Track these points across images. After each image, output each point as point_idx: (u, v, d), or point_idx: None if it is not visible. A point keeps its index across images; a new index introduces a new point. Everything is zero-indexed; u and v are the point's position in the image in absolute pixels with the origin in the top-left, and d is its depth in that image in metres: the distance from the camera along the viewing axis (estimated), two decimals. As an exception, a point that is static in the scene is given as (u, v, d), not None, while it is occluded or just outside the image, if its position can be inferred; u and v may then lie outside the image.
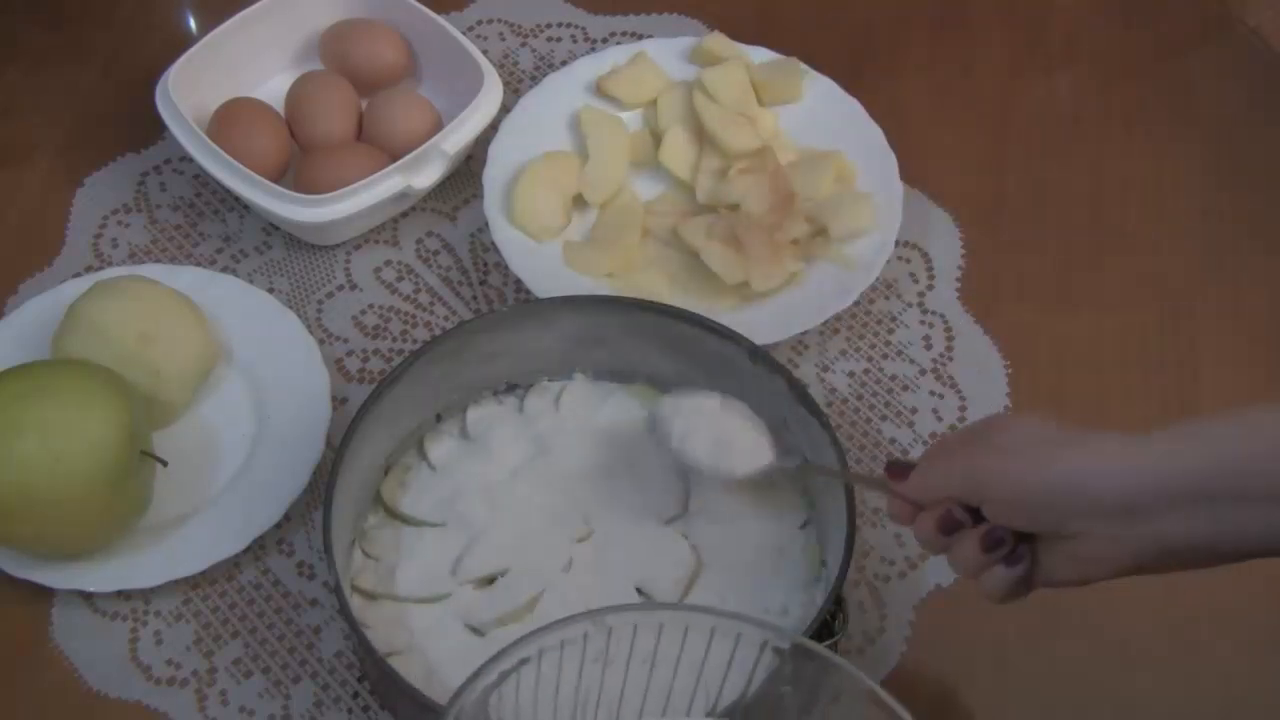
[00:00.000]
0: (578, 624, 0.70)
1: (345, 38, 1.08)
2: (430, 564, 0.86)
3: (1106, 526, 0.67)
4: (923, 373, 0.98)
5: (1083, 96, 1.14)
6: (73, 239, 1.04)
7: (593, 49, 1.14)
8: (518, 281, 0.99)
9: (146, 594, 0.89)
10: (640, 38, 1.13)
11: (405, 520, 0.88)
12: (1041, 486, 0.68)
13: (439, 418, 0.92)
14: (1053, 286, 1.03)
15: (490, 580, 0.86)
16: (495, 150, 1.04)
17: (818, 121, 1.06)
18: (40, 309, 0.97)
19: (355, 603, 0.82)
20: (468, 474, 0.90)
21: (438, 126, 1.04)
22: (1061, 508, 0.68)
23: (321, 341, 0.98)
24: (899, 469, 0.75)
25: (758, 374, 0.87)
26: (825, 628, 0.79)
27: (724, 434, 0.85)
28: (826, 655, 0.69)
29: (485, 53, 1.05)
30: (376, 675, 0.83)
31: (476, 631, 0.84)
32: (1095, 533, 0.67)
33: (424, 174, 1.00)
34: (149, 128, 1.06)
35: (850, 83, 1.07)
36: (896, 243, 1.00)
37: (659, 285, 0.99)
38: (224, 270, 1.03)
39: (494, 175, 1.02)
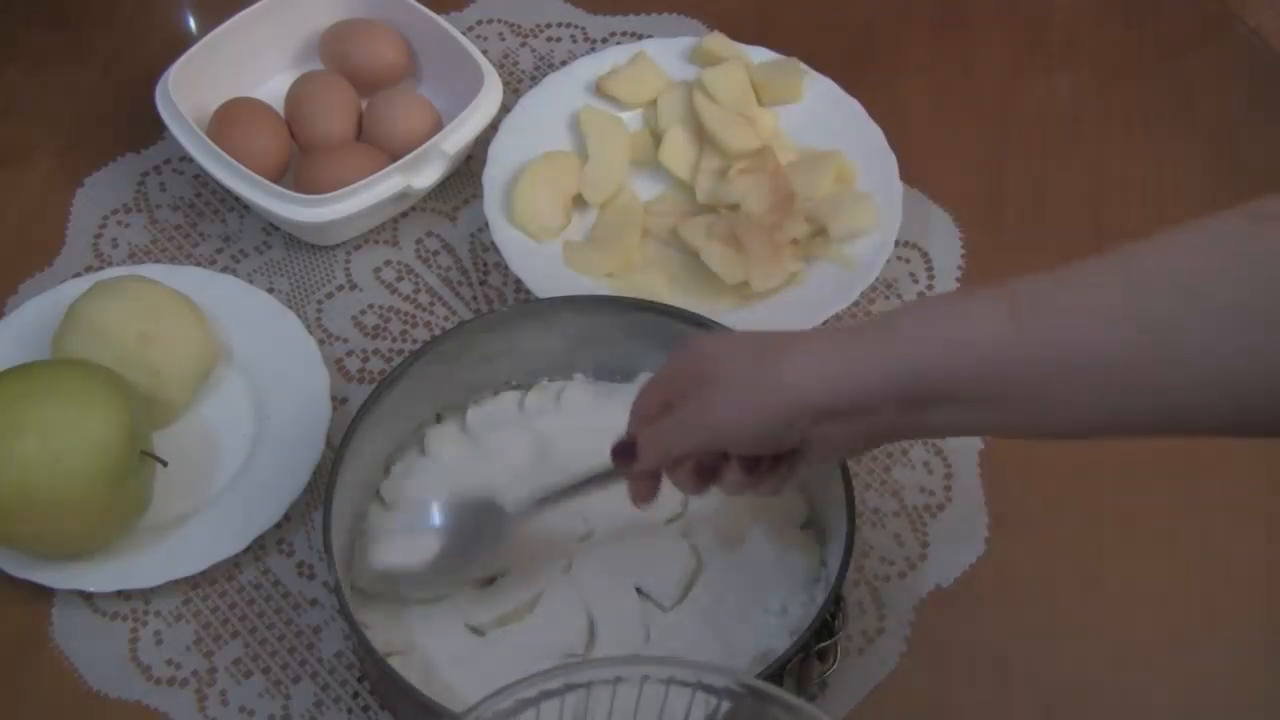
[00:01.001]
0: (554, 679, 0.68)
1: (345, 38, 1.08)
2: (431, 565, 0.86)
3: (837, 426, 0.69)
4: (923, 373, 0.98)
5: (1083, 96, 1.14)
6: (73, 239, 1.04)
7: (593, 49, 1.14)
8: (518, 281, 0.99)
9: (146, 594, 0.89)
10: (640, 38, 1.13)
11: (405, 521, 0.88)
12: (770, 422, 0.70)
13: (439, 417, 0.92)
14: (1053, 286, 1.03)
15: (490, 580, 0.86)
16: (495, 150, 1.04)
17: (818, 121, 1.06)
18: (40, 309, 0.97)
19: (355, 603, 0.82)
20: (467, 475, 0.90)
21: (438, 126, 1.04)
22: (795, 430, 0.70)
23: (321, 341, 0.98)
24: (625, 450, 0.76)
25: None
26: (825, 628, 0.80)
27: None
28: (781, 696, 0.67)
29: (485, 53, 1.05)
30: (376, 675, 0.83)
31: (476, 631, 0.84)
32: (830, 432, 0.70)
33: (424, 174, 1.00)
34: (149, 128, 1.06)
35: (850, 83, 1.07)
36: (896, 243, 1.00)
37: (659, 285, 0.99)
38: (224, 270, 1.03)
39: (494, 175, 1.02)
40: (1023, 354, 0.65)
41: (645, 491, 0.78)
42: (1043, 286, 0.66)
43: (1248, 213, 0.62)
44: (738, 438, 0.72)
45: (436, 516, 0.85)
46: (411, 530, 0.85)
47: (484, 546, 0.84)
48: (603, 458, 0.84)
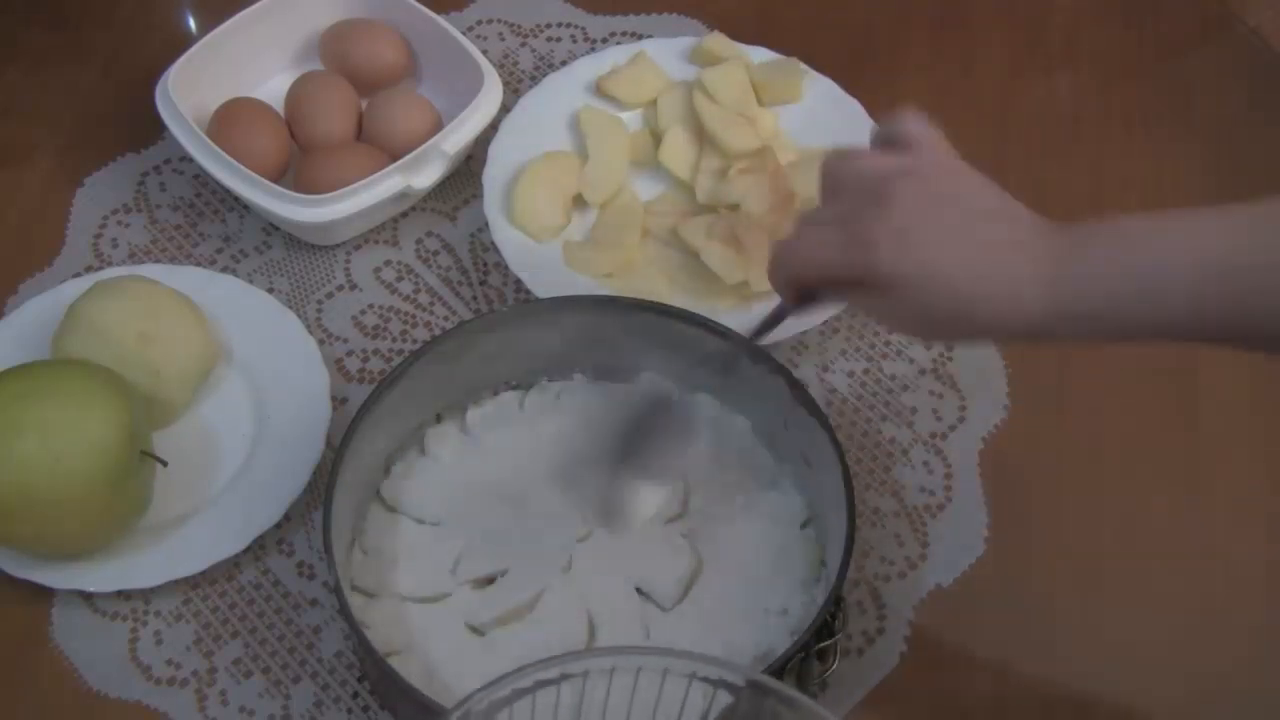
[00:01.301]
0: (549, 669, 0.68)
1: (345, 38, 1.08)
2: (429, 562, 0.86)
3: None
4: (922, 373, 0.98)
5: (1083, 96, 1.14)
6: (73, 239, 1.04)
7: (593, 49, 1.14)
8: (518, 281, 0.99)
9: (146, 594, 0.89)
10: (640, 38, 1.13)
11: (405, 517, 0.88)
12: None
13: (439, 417, 0.92)
14: (1053, 286, 1.03)
15: (490, 580, 0.86)
16: (495, 150, 1.04)
17: (818, 121, 1.06)
18: (40, 309, 0.97)
19: (355, 603, 0.82)
20: (467, 475, 0.90)
21: (438, 126, 1.04)
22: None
23: (321, 341, 0.98)
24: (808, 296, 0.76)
25: (758, 374, 0.87)
26: (825, 628, 0.80)
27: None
28: (783, 691, 0.68)
29: (485, 53, 1.05)
30: (376, 675, 0.83)
31: (476, 631, 0.84)
32: None
33: (424, 174, 1.00)
34: (149, 128, 1.06)
35: (850, 83, 1.07)
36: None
37: (659, 285, 0.99)
38: (224, 270, 1.03)
39: (494, 175, 1.02)
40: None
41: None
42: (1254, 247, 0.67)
43: None
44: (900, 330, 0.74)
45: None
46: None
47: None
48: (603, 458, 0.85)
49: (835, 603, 0.79)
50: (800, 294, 0.76)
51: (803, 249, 0.74)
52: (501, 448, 0.91)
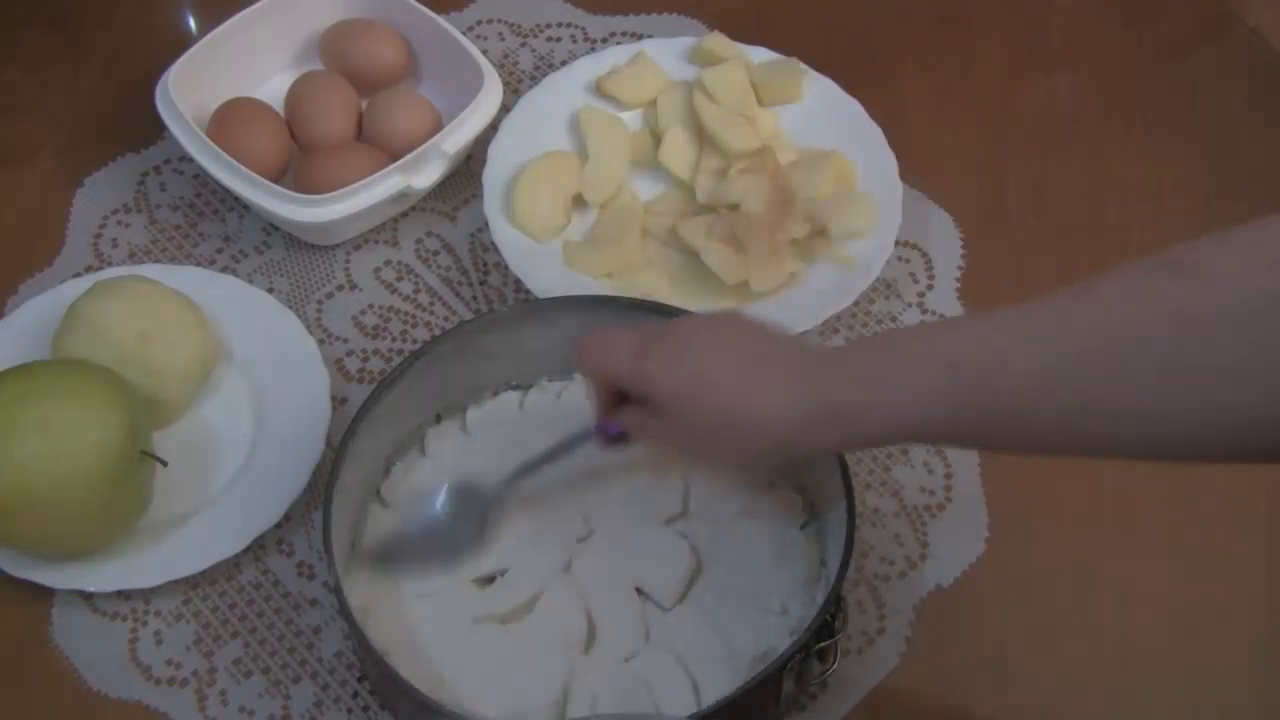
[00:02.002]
0: None
1: (345, 38, 1.08)
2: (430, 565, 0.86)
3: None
4: (923, 373, 0.98)
5: (1083, 96, 1.14)
6: (73, 239, 1.04)
7: (593, 49, 1.14)
8: (518, 281, 0.99)
9: (146, 594, 0.89)
10: (640, 38, 1.13)
11: (405, 521, 0.88)
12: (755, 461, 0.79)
13: (439, 418, 0.92)
14: (1053, 286, 1.02)
15: (490, 580, 0.86)
16: (495, 150, 1.04)
17: (818, 121, 1.06)
18: (40, 309, 0.97)
19: (355, 603, 0.82)
20: (467, 475, 0.90)
21: (438, 126, 1.04)
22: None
23: (321, 341, 0.98)
24: (617, 438, 0.81)
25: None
26: (825, 627, 0.79)
27: None
28: None
29: (485, 53, 1.05)
30: (376, 675, 0.83)
31: (477, 631, 0.84)
32: None
33: (424, 174, 1.00)
34: (149, 128, 1.06)
35: (850, 83, 1.07)
36: (896, 243, 1.00)
37: (659, 285, 0.99)
38: (224, 270, 1.03)
39: (494, 175, 1.02)
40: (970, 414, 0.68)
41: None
42: (984, 350, 0.68)
43: (1164, 263, 0.64)
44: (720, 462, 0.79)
45: (420, 507, 0.86)
46: (399, 522, 0.86)
47: (469, 528, 0.85)
48: (602, 458, 0.85)
49: (835, 602, 0.79)
50: (611, 436, 0.81)
51: (598, 348, 0.78)
52: (501, 448, 0.90)
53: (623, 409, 0.79)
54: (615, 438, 0.81)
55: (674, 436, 0.77)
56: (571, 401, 0.93)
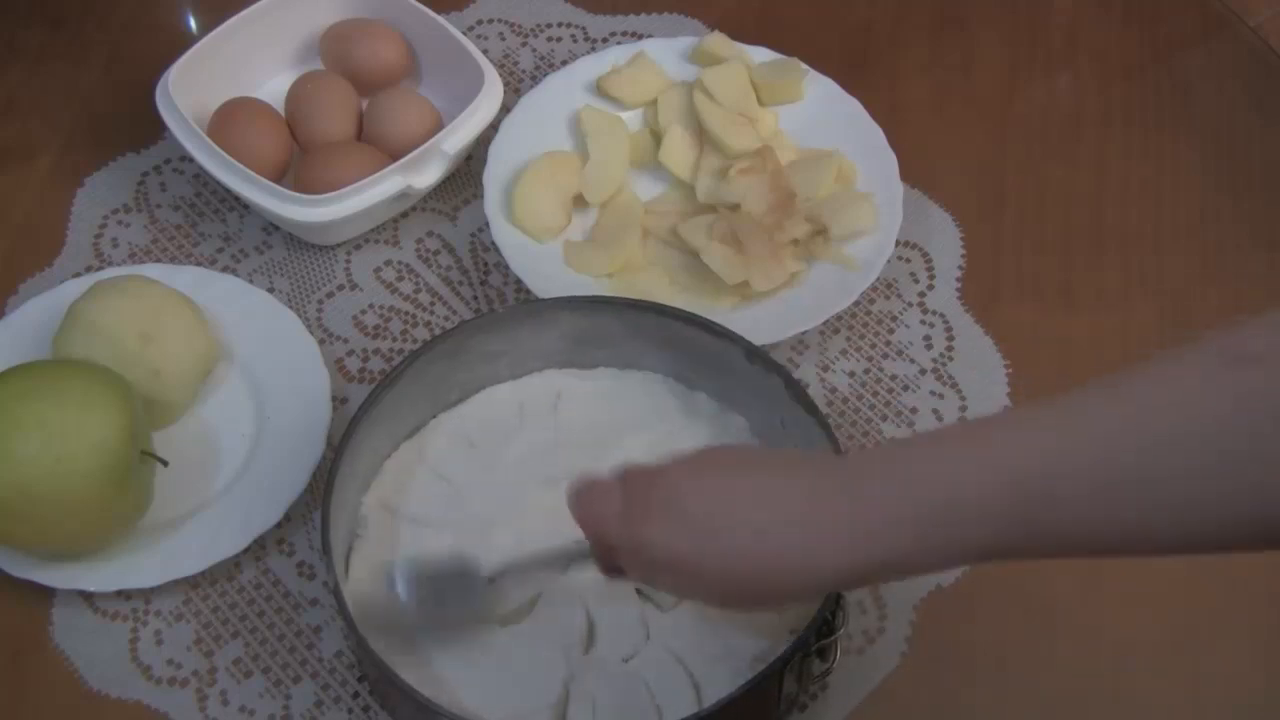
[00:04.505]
0: None
1: (345, 38, 1.08)
2: (430, 564, 0.86)
3: None
4: (923, 373, 0.98)
5: (1083, 96, 1.14)
6: (73, 239, 1.04)
7: (593, 49, 1.14)
8: (518, 281, 0.99)
9: (147, 594, 0.89)
10: (640, 38, 1.13)
11: (404, 518, 0.88)
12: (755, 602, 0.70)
13: (438, 418, 0.92)
14: (1053, 286, 1.03)
15: (490, 581, 0.86)
16: (495, 150, 1.04)
17: (818, 121, 1.06)
18: (41, 309, 0.97)
19: (351, 596, 0.82)
20: (467, 475, 0.90)
21: (438, 126, 1.04)
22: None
23: (322, 341, 0.98)
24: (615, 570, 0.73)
25: (754, 373, 0.87)
26: (825, 625, 0.80)
27: None
28: None
29: (485, 52, 1.05)
30: (376, 675, 0.83)
31: (477, 632, 0.84)
32: None
33: (424, 174, 1.00)
34: (149, 127, 1.06)
35: (850, 83, 1.07)
36: (896, 243, 1.00)
37: (659, 285, 0.99)
38: (224, 270, 1.03)
39: (494, 175, 1.02)
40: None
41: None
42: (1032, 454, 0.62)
43: (1221, 353, 0.60)
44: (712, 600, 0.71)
45: (403, 586, 0.82)
46: (388, 596, 0.83)
47: (460, 608, 0.82)
48: (602, 458, 0.84)
49: (835, 600, 0.79)
50: (613, 569, 0.73)
51: (586, 510, 0.71)
52: (501, 447, 0.91)
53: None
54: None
55: (688, 592, 0.71)
56: (571, 402, 0.93)
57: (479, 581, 0.82)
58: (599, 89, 1.08)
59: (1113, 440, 0.61)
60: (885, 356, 0.99)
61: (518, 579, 0.82)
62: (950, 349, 0.99)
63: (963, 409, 0.96)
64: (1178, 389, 0.60)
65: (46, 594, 0.88)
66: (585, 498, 0.72)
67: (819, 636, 0.79)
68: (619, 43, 1.13)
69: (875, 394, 0.97)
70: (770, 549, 0.64)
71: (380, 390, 0.86)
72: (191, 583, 0.89)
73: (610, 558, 0.72)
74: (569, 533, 0.86)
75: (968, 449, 0.64)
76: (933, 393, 0.97)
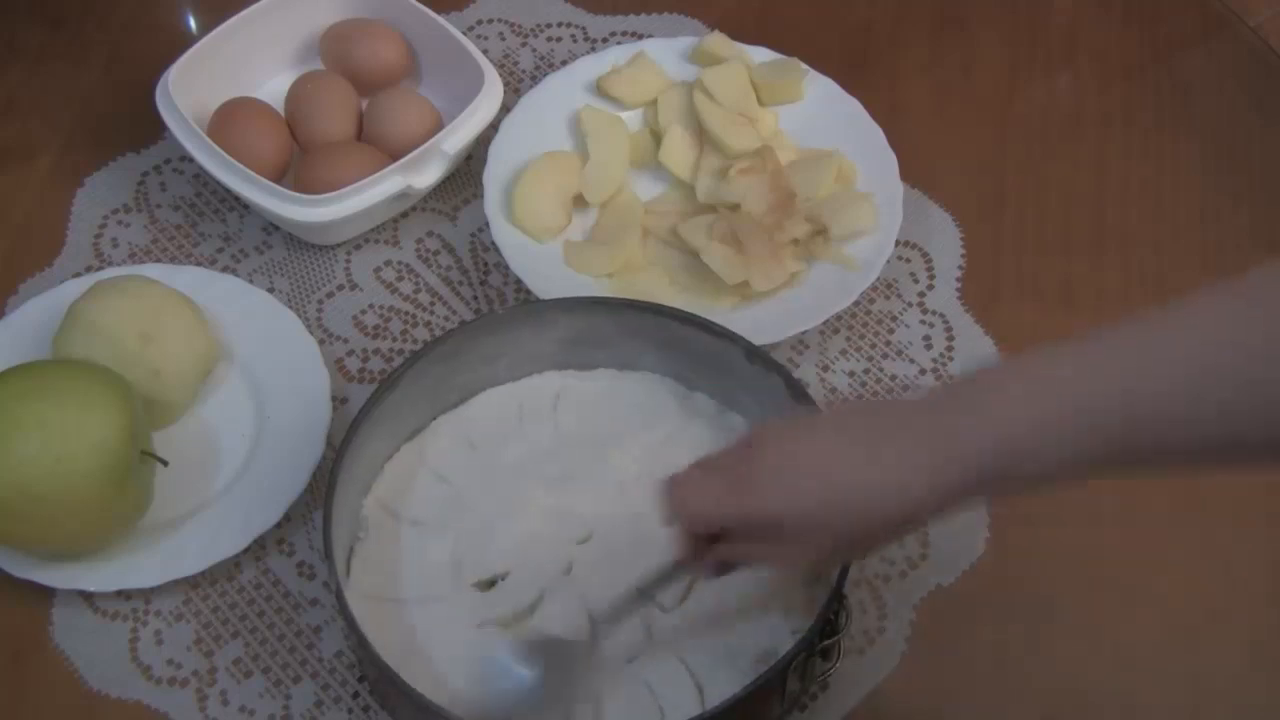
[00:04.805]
0: None
1: (345, 38, 1.08)
2: (431, 567, 0.86)
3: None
4: (923, 372, 0.98)
5: (1083, 96, 1.14)
6: (73, 239, 1.04)
7: (593, 49, 1.14)
8: (518, 281, 0.99)
9: (147, 594, 0.89)
10: (640, 37, 1.13)
11: (405, 521, 0.88)
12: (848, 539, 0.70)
13: (438, 419, 0.92)
14: (1053, 286, 1.03)
15: (491, 583, 0.86)
16: (495, 150, 1.04)
17: (818, 121, 1.06)
18: (41, 309, 0.97)
19: (355, 604, 0.82)
20: (468, 476, 0.90)
21: (438, 126, 1.04)
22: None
23: (322, 341, 0.98)
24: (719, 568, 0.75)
25: (754, 373, 0.87)
26: (829, 625, 0.80)
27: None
28: None
29: (485, 52, 1.05)
30: (376, 675, 0.83)
31: (475, 632, 0.84)
32: None
33: (424, 174, 1.00)
34: (149, 127, 1.06)
35: (850, 83, 1.07)
36: (896, 243, 1.00)
37: (659, 285, 0.99)
38: (224, 270, 1.03)
39: (494, 175, 1.02)
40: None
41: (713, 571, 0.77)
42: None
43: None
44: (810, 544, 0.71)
45: (517, 676, 0.81)
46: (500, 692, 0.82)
47: (571, 680, 0.81)
48: (602, 459, 0.84)
49: (838, 599, 0.79)
50: (719, 566, 0.76)
51: (690, 498, 0.73)
52: (501, 449, 0.91)
53: (721, 546, 0.74)
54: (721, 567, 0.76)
55: (809, 550, 0.71)
56: (571, 403, 0.93)
57: (577, 649, 0.82)
58: (599, 89, 1.08)
59: (1183, 354, 0.63)
60: (885, 356, 0.99)
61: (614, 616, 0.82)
62: (950, 349, 0.99)
63: (963, 409, 0.96)
64: (1254, 300, 0.63)
65: (46, 594, 0.88)
66: (680, 492, 0.73)
67: (822, 636, 0.79)
68: (619, 43, 1.13)
69: (875, 393, 0.97)
70: (890, 483, 0.67)
71: (380, 393, 0.86)
72: (191, 583, 0.89)
73: (708, 547, 0.74)
74: (572, 532, 0.87)
75: (1059, 379, 0.65)
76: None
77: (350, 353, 0.99)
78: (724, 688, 0.79)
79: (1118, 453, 0.64)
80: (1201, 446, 0.63)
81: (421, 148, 0.99)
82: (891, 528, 0.70)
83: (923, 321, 1.00)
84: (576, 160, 1.04)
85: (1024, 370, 0.67)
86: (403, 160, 0.99)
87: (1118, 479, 0.67)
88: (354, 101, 1.06)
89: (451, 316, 1.01)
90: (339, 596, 0.80)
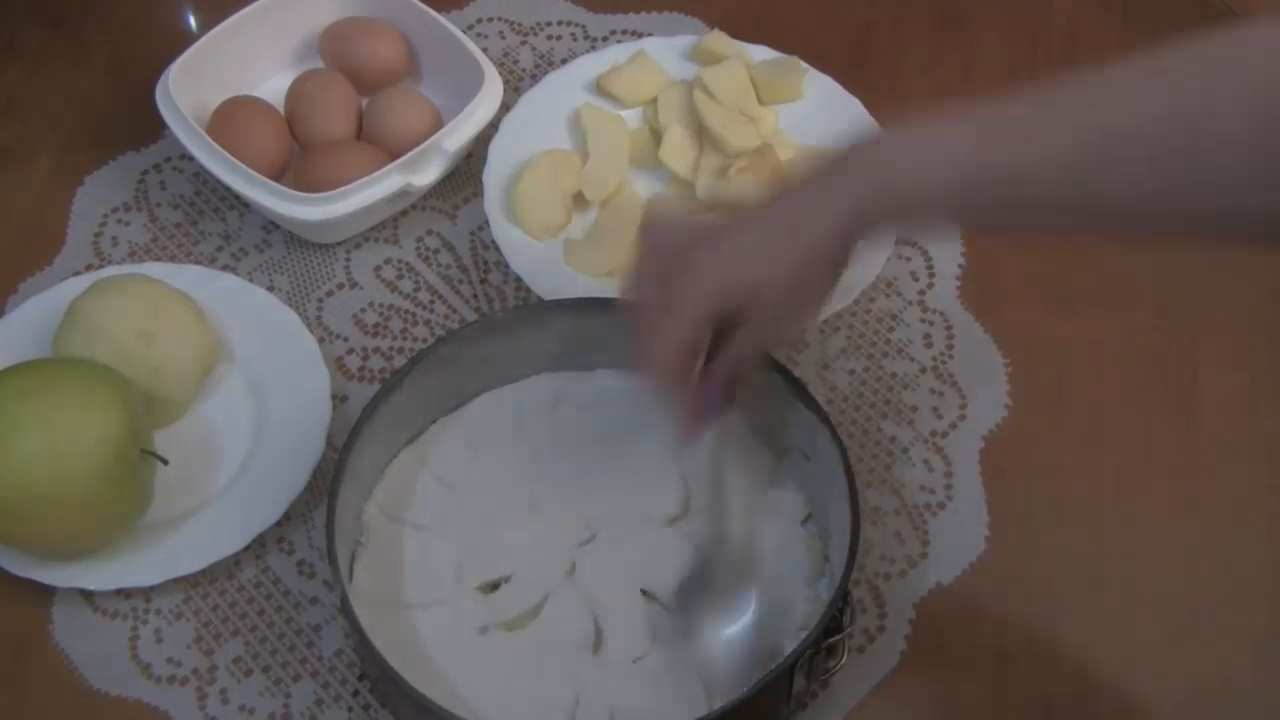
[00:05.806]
0: None
1: (345, 36, 1.08)
2: (432, 569, 0.86)
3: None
4: (923, 371, 0.98)
5: (1083, 96, 1.13)
6: (73, 237, 1.04)
7: (593, 47, 1.14)
8: (518, 280, 0.99)
9: (147, 592, 0.89)
10: (640, 36, 1.13)
11: (407, 524, 0.88)
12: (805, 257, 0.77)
13: (438, 423, 0.92)
14: (1053, 286, 1.03)
15: (494, 586, 0.86)
16: (495, 148, 1.04)
17: (818, 120, 1.06)
18: (41, 307, 0.97)
19: (356, 604, 0.82)
20: (468, 479, 0.90)
21: (438, 125, 1.04)
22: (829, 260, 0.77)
23: (322, 340, 0.98)
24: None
25: (754, 372, 0.87)
26: (835, 623, 0.80)
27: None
28: None
29: (485, 51, 1.06)
30: (377, 674, 0.83)
31: (481, 636, 0.84)
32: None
33: (424, 172, 1.00)
34: (149, 126, 1.06)
35: (850, 81, 1.07)
36: (896, 241, 1.00)
37: (659, 284, 0.99)
38: (224, 268, 1.03)
39: (494, 173, 1.02)
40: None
41: (692, 416, 0.81)
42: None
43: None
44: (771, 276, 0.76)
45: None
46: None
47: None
48: (603, 460, 0.84)
49: (843, 596, 0.79)
50: (720, 392, 0.81)
51: (662, 320, 0.77)
52: (502, 451, 0.91)
53: (716, 359, 0.78)
54: (710, 411, 0.81)
55: (778, 317, 0.77)
56: (570, 404, 0.93)
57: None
58: (599, 87, 1.08)
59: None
60: (885, 355, 0.99)
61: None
62: (950, 348, 0.99)
63: (962, 407, 0.96)
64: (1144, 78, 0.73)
65: (47, 593, 0.88)
66: (646, 331, 0.78)
67: (828, 634, 0.79)
68: (619, 41, 1.13)
69: (875, 392, 0.97)
70: (799, 225, 0.76)
71: (380, 399, 0.86)
72: (191, 581, 0.89)
73: (708, 376, 0.79)
74: (571, 534, 0.87)
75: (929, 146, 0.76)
76: (932, 391, 0.97)
77: (350, 351, 0.99)
78: (731, 686, 0.79)
79: (989, 205, 0.73)
80: (1094, 209, 0.71)
81: (421, 146, 0.99)
82: (815, 267, 0.76)
83: (923, 320, 1.00)
84: (576, 159, 1.04)
85: (915, 128, 0.76)
86: (402, 159, 0.99)
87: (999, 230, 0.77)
88: (354, 100, 1.06)
89: (451, 315, 1.01)
90: (344, 604, 0.79)
